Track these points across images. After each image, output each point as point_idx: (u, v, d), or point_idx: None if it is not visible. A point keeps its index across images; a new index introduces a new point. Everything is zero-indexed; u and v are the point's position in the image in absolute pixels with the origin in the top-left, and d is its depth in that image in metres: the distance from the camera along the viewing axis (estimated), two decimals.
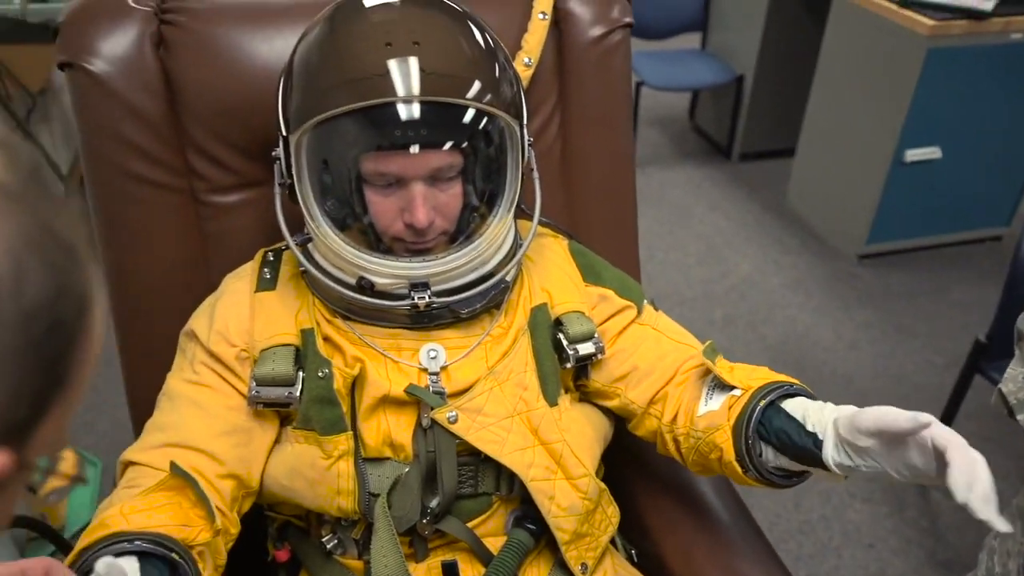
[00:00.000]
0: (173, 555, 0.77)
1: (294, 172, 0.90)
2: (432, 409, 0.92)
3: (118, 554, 0.75)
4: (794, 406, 0.89)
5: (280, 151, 0.92)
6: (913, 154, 2.80)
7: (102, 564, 0.69)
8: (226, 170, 1.13)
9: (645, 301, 1.09)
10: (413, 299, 0.90)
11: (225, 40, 1.09)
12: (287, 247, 0.96)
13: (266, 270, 1.01)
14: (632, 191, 1.30)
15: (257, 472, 0.95)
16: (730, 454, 0.91)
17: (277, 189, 0.94)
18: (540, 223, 1.05)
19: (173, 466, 0.84)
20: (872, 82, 2.85)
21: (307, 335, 0.95)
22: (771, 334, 2.72)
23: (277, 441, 0.98)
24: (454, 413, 0.93)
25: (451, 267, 0.92)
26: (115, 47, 1.06)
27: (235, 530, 0.92)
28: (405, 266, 0.91)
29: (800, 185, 3.35)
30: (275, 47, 1.09)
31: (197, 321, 0.98)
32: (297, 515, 1.03)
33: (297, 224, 0.95)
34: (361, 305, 0.93)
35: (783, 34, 3.40)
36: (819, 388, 0.98)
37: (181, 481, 0.84)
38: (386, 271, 0.90)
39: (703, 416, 0.96)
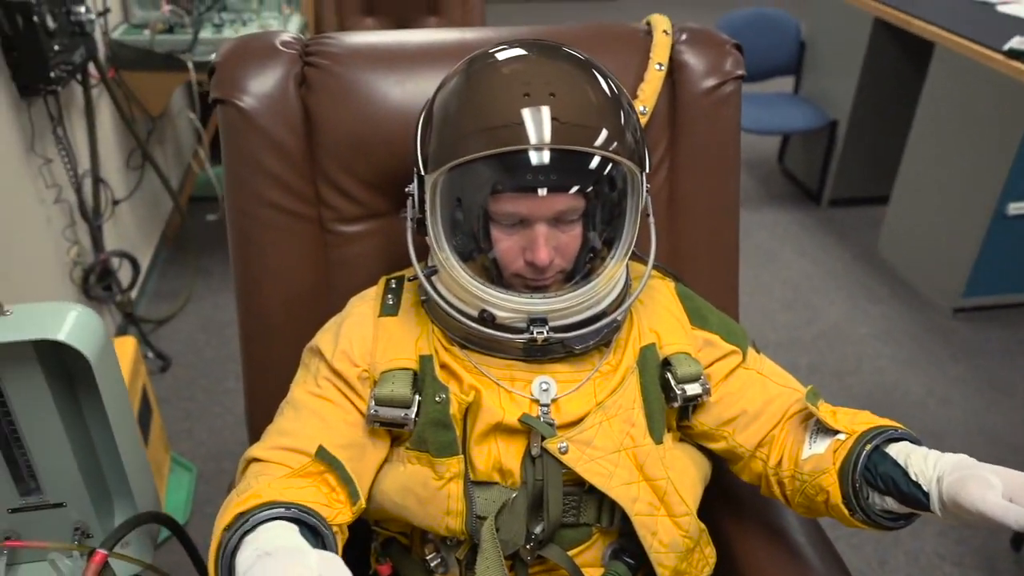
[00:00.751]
0: (321, 526, 0.82)
1: (427, 208, 0.96)
2: (544, 439, 0.97)
3: (276, 518, 0.80)
4: (898, 451, 0.91)
5: (415, 187, 0.98)
6: (1017, 207, 2.74)
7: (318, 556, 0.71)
8: (353, 201, 1.20)
9: (749, 345, 1.11)
10: (532, 333, 0.95)
11: (361, 81, 1.17)
12: (410, 278, 1.02)
13: (389, 296, 1.07)
14: (736, 239, 1.32)
15: (364, 488, 1.00)
16: (837, 497, 0.93)
17: (409, 224, 1.01)
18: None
19: (320, 450, 0.90)
20: (974, 132, 2.80)
21: (426, 361, 1.01)
22: (858, 385, 2.68)
23: (388, 460, 1.03)
24: (565, 444, 0.97)
25: (569, 304, 0.96)
26: (262, 85, 1.15)
27: (343, 538, 0.97)
28: (527, 302, 0.96)
29: (893, 233, 3.29)
30: (406, 89, 1.17)
31: (323, 339, 1.05)
32: (402, 532, 1.09)
33: (418, 255, 1.00)
34: (480, 336, 0.98)
35: (880, 80, 3.38)
36: None
37: (321, 467, 0.89)
38: (508, 305, 0.95)
39: (808, 459, 0.98)
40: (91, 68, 2.48)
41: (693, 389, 1.03)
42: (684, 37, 1.25)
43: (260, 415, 1.05)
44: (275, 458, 0.95)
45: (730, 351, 1.08)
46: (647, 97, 1.20)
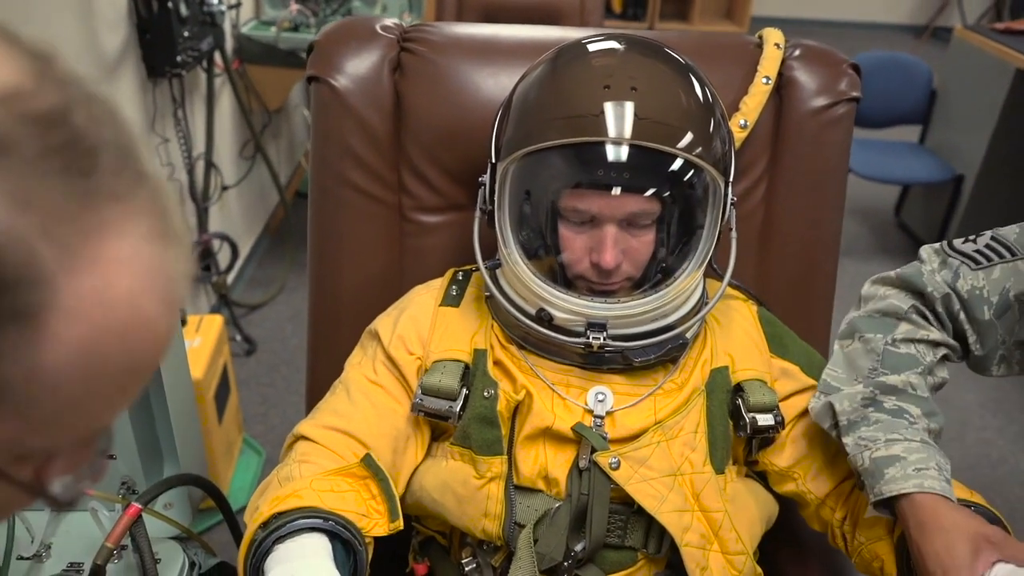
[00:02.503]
0: (355, 542, 0.80)
1: (496, 199, 0.93)
2: (594, 451, 0.91)
3: (311, 529, 0.79)
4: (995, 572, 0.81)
5: (487, 178, 0.95)
6: None
7: None
8: (433, 191, 1.19)
9: None
10: (588, 338, 0.90)
11: (455, 71, 1.16)
12: (476, 269, 0.99)
13: (453, 287, 1.05)
14: (833, 273, 1.24)
15: (401, 482, 0.97)
16: (891, 568, 0.86)
17: (477, 213, 0.98)
18: (731, 286, 1.02)
19: (367, 459, 0.88)
20: None
21: (479, 355, 0.97)
22: (959, 455, 2.48)
23: (430, 455, 1.00)
24: (617, 460, 0.91)
25: (631, 312, 0.91)
26: (358, 67, 1.15)
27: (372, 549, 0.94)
28: (586, 304, 0.91)
29: None
30: (499, 82, 1.15)
31: (382, 323, 1.03)
32: (442, 532, 1.05)
33: (489, 250, 0.98)
34: (537, 336, 0.94)
35: (1016, 136, 3.17)
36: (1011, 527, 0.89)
37: (366, 472, 0.88)
38: (566, 306, 0.91)
39: (871, 519, 0.90)
40: (217, 58, 2.58)
41: (765, 420, 0.96)
42: (797, 52, 1.19)
43: (320, 393, 1.04)
44: (324, 440, 0.93)
45: (809, 385, 1.00)
46: (750, 111, 1.14)
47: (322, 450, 0.93)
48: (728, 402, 0.97)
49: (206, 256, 2.66)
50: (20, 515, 0.97)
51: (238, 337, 2.74)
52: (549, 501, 0.94)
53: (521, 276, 0.93)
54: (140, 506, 0.88)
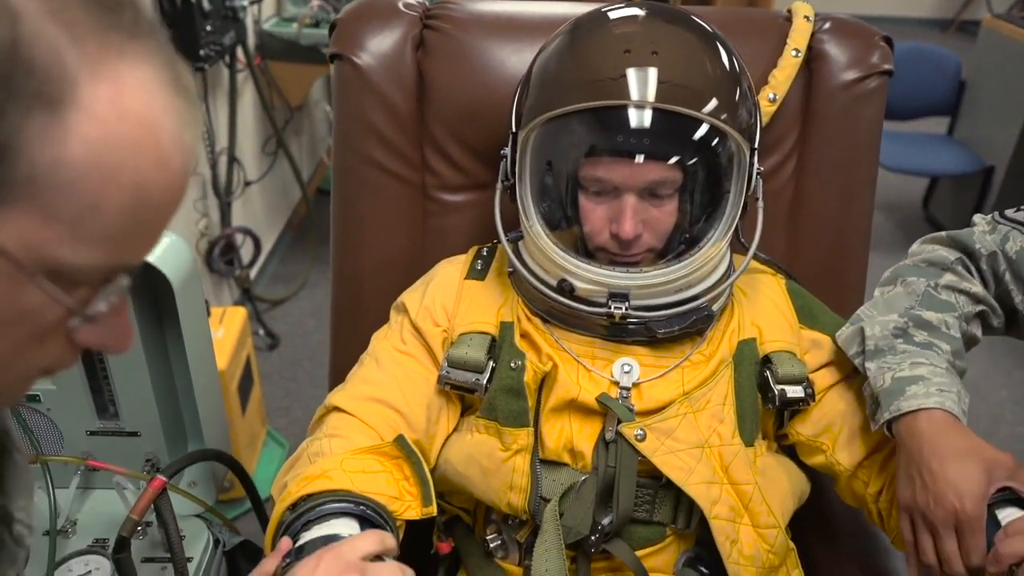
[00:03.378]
0: (387, 527, 0.79)
1: (517, 170, 0.92)
2: (620, 423, 0.90)
3: (342, 513, 0.78)
4: (1007, 516, 0.79)
5: (508, 149, 0.94)
6: None
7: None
8: (457, 170, 1.18)
9: None
10: (610, 308, 0.89)
11: (479, 48, 1.15)
12: (500, 243, 0.98)
13: (478, 262, 1.04)
14: (865, 251, 1.22)
15: (434, 452, 0.96)
16: None
17: (499, 186, 0.97)
18: (759, 260, 1.01)
19: (400, 440, 0.87)
20: None
21: (506, 327, 0.96)
22: None
23: (456, 430, 0.99)
24: (643, 431, 0.90)
25: (654, 282, 0.89)
26: (381, 45, 1.14)
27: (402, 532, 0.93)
28: (608, 274, 0.89)
29: None
30: (523, 58, 1.13)
31: (409, 296, 1.03)
32: (466, 509, 1.04)
33: (511, 226, 0.97)
34: (560, 308, 0.93)
35: None
36: None
37: (399, 452, 0.87)
38: (588, 276, 0.90)
39: None
40: (239, 53, 2.59)
41: (794, 392, 0.94)
42: (827, 25, 1.16)
43: (343, 373, 1.03)
44: (357, 410, 0.92)
45: (839, 357, 0.98)
46: (779, 84, 1.12)
47: (355, 423, 0.92)
48: (756, 374, 0.95)
49: (229, 250, 2.67)
50: (44, 492, 0.97)
51: (261, 332, 2.75)
52: (575, 475, 0.93)
53: (542, 247, 0.91)
54: (165, 479, 0.88)
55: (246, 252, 2.79)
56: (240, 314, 2.16)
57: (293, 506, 0.79)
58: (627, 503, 0.90)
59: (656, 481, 0.92)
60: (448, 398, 0.98)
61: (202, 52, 2.26)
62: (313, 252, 3.19)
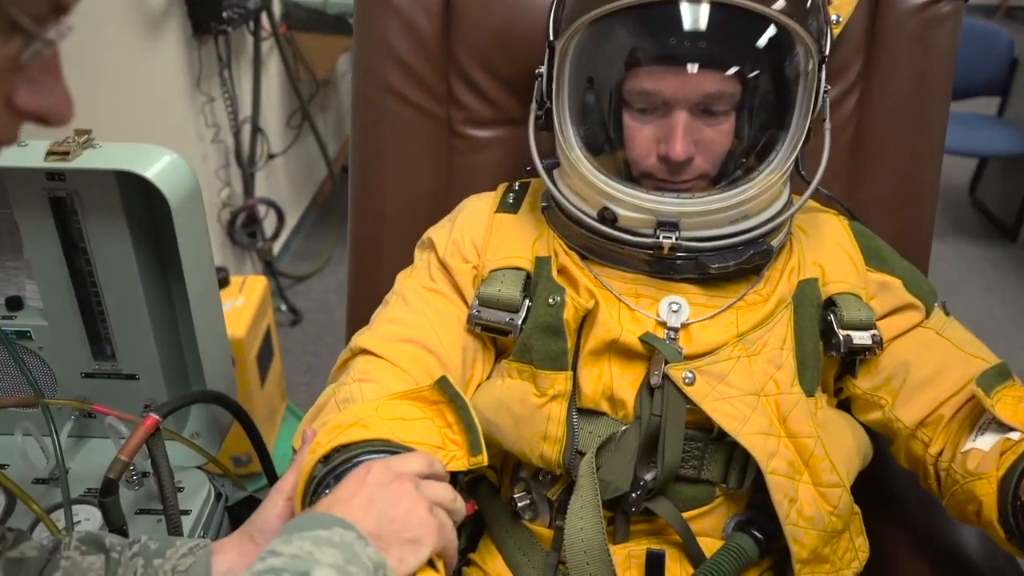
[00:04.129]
0: None
1: (555, 87, 0.83)
2: (667, 364, 0.80)
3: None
4: None
5: (544, 67, 0.85)
6: None
7: None
8: (486, 102, 1.09)
9: (936, 304, 0.90)
10: (658, 238, 0.79)
11: None
12: (527, 168, 0.89)
13: (510, 195, 0.95)
14: (934, 196, 1.11)
15: (468, 398, 0.87)
16: (991, 512, 0.73)
17: (533, 107, 0.88)
18: (820, 198, 0.90)
19: (443, 382, 0.76)
20: None
21: (542, 262, 0.87)
22: None
23: (487, 378, 0.90)
24: (692, 374, 0.80)
25: (706, 209, 0.80)
26: None
27: None
28: (656, 200, 0.80)
29: None
30: None
31: (435, 232, 0.94)
32: (492, 466, 0.94)
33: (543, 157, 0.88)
34: (601, 242, 0.84)
35: None
36: None
37: (440, 396, 0.76)
38: (633, 202, 0.80)
39: (968, 454, 0.78)
40: (264, 21, 2.52)
41: (861, 339, 0.83)
42: None
43: (361, 321, 0.94)
44: (389, 352, 0.83)
45: (910, 302, 0.87)
46: (842, 4, 1.01)
47: (387, 366, 0.82)
48: (819, 318, 0.85)
49: (251, 222, 2.60)
50: (36, 438, 0.89)
51: (283, 307, 2.69)
52: (614, 425, 0.83)
53: (582, 172, 0.82)
54: (158, 418, 0.79)
55: (269, 225, 2.72)
56: (260, 283, 2.09)
57: (325, 458, 0.68)
58: (673, 456, 0.80)
59: (706, 434, 0.82)
60: (482, 342, 0.89)
61: (224, 14, 2.19)
62: (338, 230, 3.12)
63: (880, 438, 0.90)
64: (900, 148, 1.07)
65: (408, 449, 0.68)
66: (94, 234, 0.86)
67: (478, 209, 0.93)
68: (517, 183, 0.97)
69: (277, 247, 2.84)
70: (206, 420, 0.98)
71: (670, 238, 0.79)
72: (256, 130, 2.56)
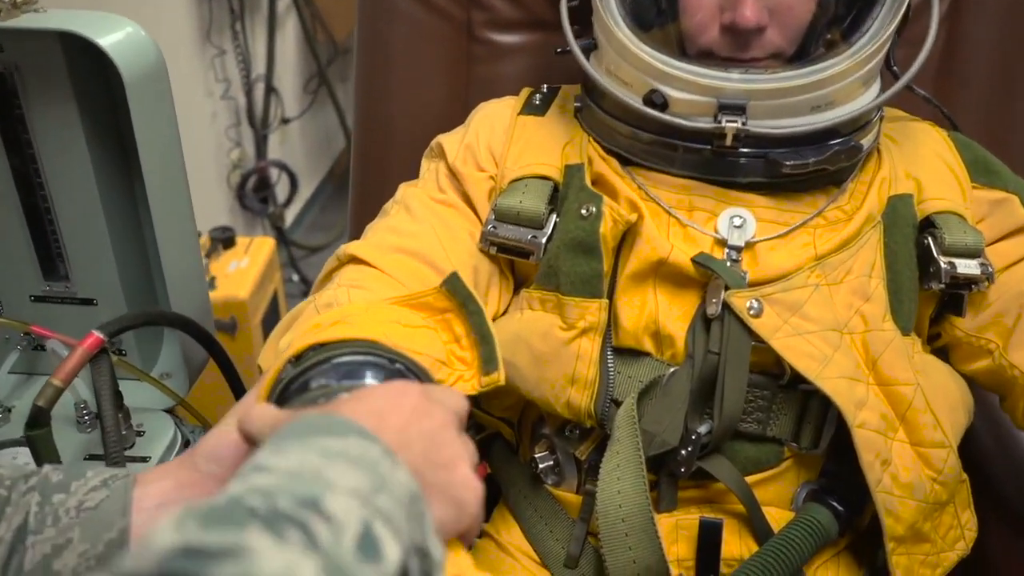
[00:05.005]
0: None
1: None
2: (727, 290, 0.64)
3: (368, 365, 0.50)
4: None
5: None
6: None
7: None
8: (512, 1, 0.93)
9: None
10: (721, 123, 0.63)
11: None
12: (558, 51, 0.74)
13: (536, 96, 0.80)
14: None
15: (502, 372, 0.70)
16: None
17: None
18: (913, 104, 0.74)
19: (452, 280, 0.61)
20: None
21: (573, 171, 0.71)
22: None
23: (504, 313, 0.75)
24: (758, 303, 0.64)
25: (781, 87, 0.64)
26: None
27: None
28: (718, 76, 0.65)
29: None
30: None
31: (447, 137, 0.79)
32: (509, 420, 0.79)
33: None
34: (647, 140, 0.69)
35: None
36: None
37: (448, 302, 0.61)
38: (690, 80, 0.65)
39: None
40: None
41: (967, 268, 0.67)
42: None
43: None
44: (384, 263, 0.67)
45: None
46: None
47: (380, 275, 0.67)
48: (914, 241, 0.69)
49: (263, 187, 2.47)
50: None
51: (295, 277, 2.56)
52: (659, 367, 0.67)
53: (624, 44, 0.67)
54: (102, 336, 0.65)
55: (282, 191, 2.59)
56: (268, 245, 1.97)
57: (297, 358, 0.52)
58: (734, 404, 0.64)
59: (773, 380, 0.66)
60: (498, 267, 0.74)
61: None
62: None
63: (979, 395, 0.74)
64: (1000, 50, 0.90)
65: (402, 355, 0.51)
66: (40, 124, 0.72)
67: (497, 111, 0.78)
68: (545, 86, 0.82)
69: (290, 217, 2.71)
70: (176, 358, 0.84)
71: (735, 122, 0.63)
72: (270, 89, 2.43)
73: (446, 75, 0.95)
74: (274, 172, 2.50)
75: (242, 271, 1.87)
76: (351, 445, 0.36)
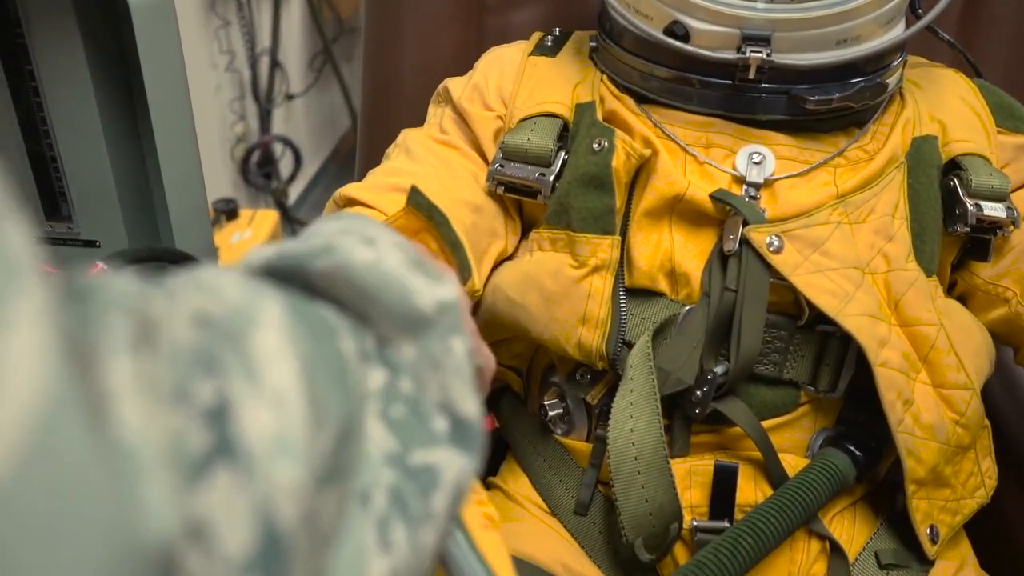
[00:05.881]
0: None
1: None
2: (746, 225, 0.62)
3: None
4: None
5: None
6: None
7: None
8: None
9: None
10: (746, 55, 0.62)
11: None
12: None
13: (548, 38, 0.78)
14: None
15: (480, 280, 0.70)
16: None
17: None
18: (936, 48, 0.73)
19: (413, 194, 0.62)
20: None
21: (584, 108, 0.70)
22: None
23: (512, 257, 0.73)
24: (778, 239, 0.62)
25: (806, 17, 0.62)
26: None
27: None
28: (743, 5, 0.63)
29: None
30: None
31: (455, 80, 0.77)
32: (517, 369, 0.77)
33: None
34: (665, 76, 0.67)
35: None
36: None
37: (417, 222, 0.62)
38: (713, 9, 0.63)
39: None
40: None
41: (993, 211, 0.65)
42: None
43: None
44: (381, 202, 0.67)
45: None
46: None
47: (374, 215, 0.66)
48: (938, 183, 0.67)
49: (267, 162, 2.45)
50: None
51: None
52: (674, 307, 0.66)
53: None
54: (104, 265, 0.63)
55: (286, 167, 2.57)
56: (271, 217, 1.95)
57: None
58: (751, 343, 0.62)
59: (791, 320, 0.65)
60: (504, 208, 0.72)
61: None
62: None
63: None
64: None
65: None
66: (43, 53, 0.70)
67: (507, 53, 0.77)
68: (557, 29, 0.80)
69: (294, 195, 2.69)
70: None
71: (759, 53, 0.61)
72: (275, 64, 2.41)
73: (458, 24, 0.93)
74: (278, 147, 2.48)
75: (245, 242, 1.85)
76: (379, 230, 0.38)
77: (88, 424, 0.18)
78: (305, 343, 0.26)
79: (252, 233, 1.89)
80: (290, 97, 2.56)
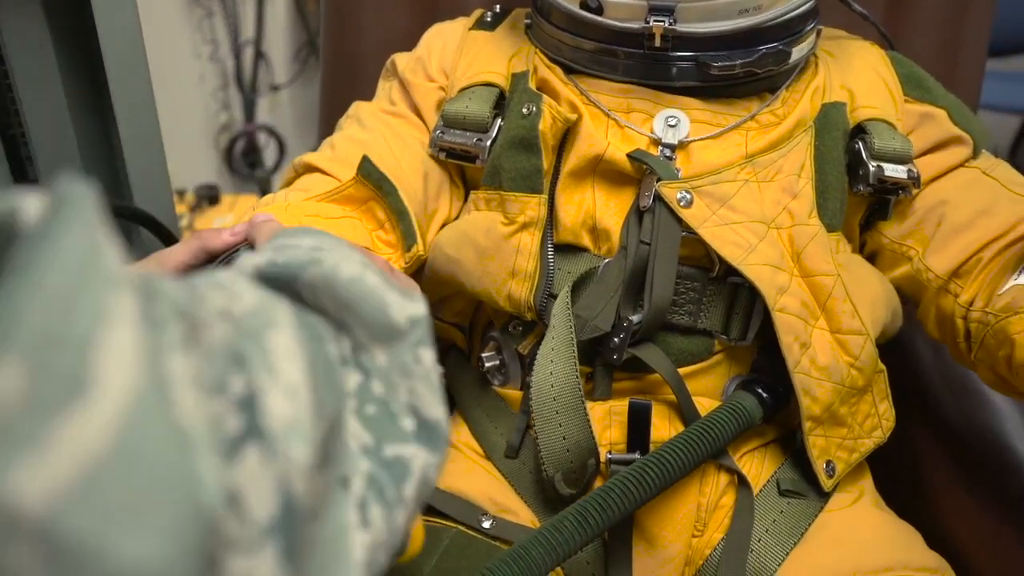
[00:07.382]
0: None
1: None
2: (659, 181, 0.67)
3: None
4: None
5: None
6: None
7: None
8: None
9: (986, 146, 0.76)
10: (649, 24, 0.66)
11: None
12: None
13: (488, 15, 0.83)
14: (982, 53, 0.96)
15: (424, 245, 0.75)
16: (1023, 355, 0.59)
17: None
18: (851, 21, 0.77)
19: (364, 165, 0.67)
20: None
21: (518, 77, 0.75)
22: None
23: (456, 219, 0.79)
24: (688, 194, 0.67)
25: None
26: None
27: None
28: None
29: None
30: None
31: (401, 55, 0.82)
32: (460, 326, 0.82)
33: None
34: (587, 47, 0.72)
35: None
36: None
37: (366, 192, 0.68)
38: None
39: (1006, 293, 0.65)
40: None
41: (894, 172, 0.70)
42: None
43: None
44: (337, 169, 0.72)
45: (955, 135, 0.74)
46: None
47: (330, 181, 0.72)
48: (844, 147, 0.72)
49: (252, 151, 2.49)
50: None
51: None
52: (596, 261, 0.71)
53: None
54: None
55: (270, 156, 2.61)
56: (252, 203, 1.99)
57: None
58: (663, 291, 0.67)
59: (704, 273, 0.70)
60: (448, 174, 0.78)
61: None
62: None
63: (907, 307, 0.77)
64: None
65: None
66: (10, 38, 0.75)
67: (449, 28, 0.82)
68: (498, 6, 0.85)
69: (277, 185, 2.74)
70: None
71: (661, 22, 0.66)
72: (259, 55, 2.45)
73: (413, 3, 0.97)
74: (262, 136, 2.52)
75: (226, 227, 1.90)
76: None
77: (163, 409, 0.23)
78: (309, 344, 0.31)
79: (233, 218, 1.93)
80: (275, 88, 2.60)
